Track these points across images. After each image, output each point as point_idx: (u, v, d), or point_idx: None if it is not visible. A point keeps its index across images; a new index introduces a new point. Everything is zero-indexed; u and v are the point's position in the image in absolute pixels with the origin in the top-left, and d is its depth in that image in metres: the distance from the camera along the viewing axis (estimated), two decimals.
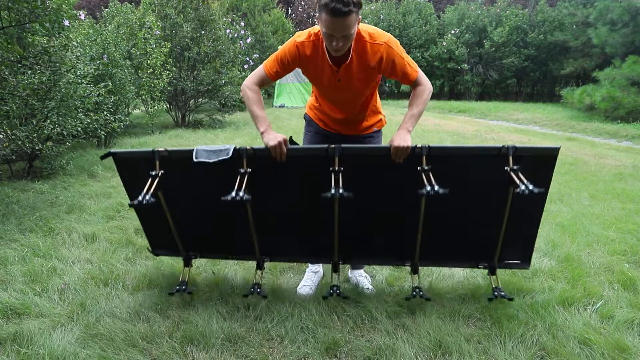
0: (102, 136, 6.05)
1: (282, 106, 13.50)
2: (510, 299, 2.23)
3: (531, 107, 13.84)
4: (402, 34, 17.04)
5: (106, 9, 9.45)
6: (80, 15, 5.90)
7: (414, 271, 2.30)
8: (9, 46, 3.58)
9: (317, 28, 2.01)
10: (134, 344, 1.98)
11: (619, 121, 10.22)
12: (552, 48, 16.85)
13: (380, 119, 2.42)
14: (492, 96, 18.04)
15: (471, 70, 17.31)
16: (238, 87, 9.94)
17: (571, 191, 4.55)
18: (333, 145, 2.03)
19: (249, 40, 14.08)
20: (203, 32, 8.87)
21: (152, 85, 7.83)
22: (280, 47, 2.15)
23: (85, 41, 6.05)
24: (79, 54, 5.00)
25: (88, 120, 5.12)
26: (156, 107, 8.47)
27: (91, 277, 2.58)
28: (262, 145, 2.05)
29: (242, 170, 2.04)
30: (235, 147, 2.05)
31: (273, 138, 2.01)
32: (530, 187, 1.82)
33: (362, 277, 2.57)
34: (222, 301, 2.32)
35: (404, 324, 2.16)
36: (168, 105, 9.35)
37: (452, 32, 17.20)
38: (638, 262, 2.89)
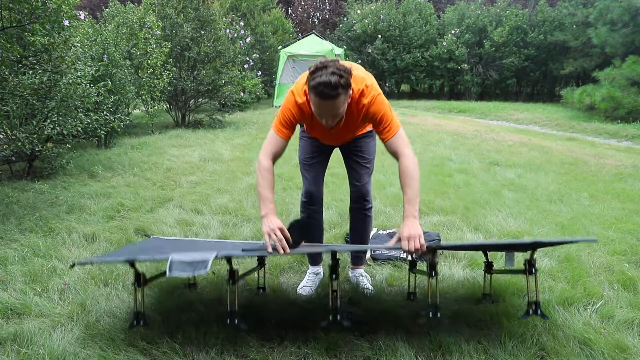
0: (102, 136, 6.05)
1: None
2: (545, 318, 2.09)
3: (531, 107, 13.83)
4: (402, 34, 17.02)
5: (107, 9, 9.44)
6: (80, 15, 5.90)
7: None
8: (9, 46, 3.58)
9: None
10: (134, 344, 1.98)
11: (619, 121, 10.21)
12: (552, 48, 16.83)
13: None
14: (492, 96, 18.01)
15: (471, 70, 17.29)
16: (238, 87, 9.94)
17: (571, 191, 4.55)
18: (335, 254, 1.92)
19: (248, 40, 14.06)
20: (203, 32, 8.87)
21: (152, 85, 7.83)
22: (281, 108, 2.09)
23: (85, 41, 6.05)
24: (79, 53, 4.99)
25: (88, 120, 5.12)
26: (156, 107, 8.46)
27: (91, 277, 2.58)
28: (248, 246, 1.94)
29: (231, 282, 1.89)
30: (216, 256, 1.78)
31: (268, 227, 1.90)
32: None
33: (362, 277, 2.58)
34: (222, 301, 2.32)
35: (404, 324, 2.16)
36: (168, 105, 9.34)
37: (452, 32, 17.18)
38: (638, 262, 2.89)
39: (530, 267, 1.90)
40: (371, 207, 2.51)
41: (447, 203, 4.06)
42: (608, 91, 10.67)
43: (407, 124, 9.68)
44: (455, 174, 5.22)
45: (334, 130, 2.11)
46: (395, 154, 2.05)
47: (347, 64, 1.95)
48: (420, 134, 8.36)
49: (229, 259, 1.92)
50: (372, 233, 3.14)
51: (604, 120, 10.50)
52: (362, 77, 2.03)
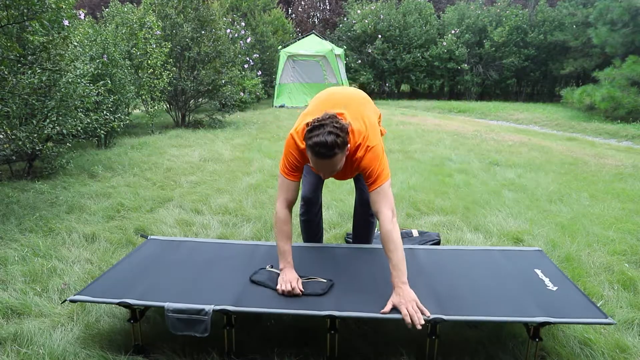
0: (102, 136, 6.05)
1: (282, 106, 13.49)
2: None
3: (531, 107, 13.83)
4: (402, 34, 17.02)
5: (107, 9, 9.44)
6: (80, 15, 5.90)
7: None
8: (9, 45, 3.58)
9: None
10: (134, 344, 1.97)
11: (619, 121, 10.21)
12: (552, 48, 16.83)
13: None
14: (492, 96, 18.01)
15: (471, 70, 17.29)
16: (238, 87, 9.94)
17: (571, 191, 4.55)
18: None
19: (249, 40, 14.06)
20: (203, 32, 8.86)
21: (152, 85, 7.83)
22: (285, 152, 2.10)
23: (85, 41, 6.05)
24: (78, 53, 4.99)
25: (88, 120, 5.12)
26: (156, 107, 8.46)
27: (91, 277, 2.58)
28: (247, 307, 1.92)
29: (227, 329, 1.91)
30: (213, 310, 1.84)
31: (286, 280, 2.00)
32: None
33: None
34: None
35: (405, 325, 2.16)
36: (168, 105, 9.34)
37: (452, 32, 17.18)
38: (638, 262, 2.89)
39: (535, 336, 1.85)
40: None
41: (447, 203, 4.06)
42: (608, 91, 10.67)
43: (407, 124, 9.69)
44: (455, 174, 5.22)
45: (335, 175, 2.12)
46: (375, 211, 2.05)
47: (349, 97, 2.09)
48: (420, 134, 8.36)
49: (225, 311, 1.89)
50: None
51: (604, 120, 10.50)
52: (359, 130, 2.02)
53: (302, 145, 2.00)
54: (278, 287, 2.02)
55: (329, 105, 2.07)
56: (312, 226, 2.68)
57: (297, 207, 3.90)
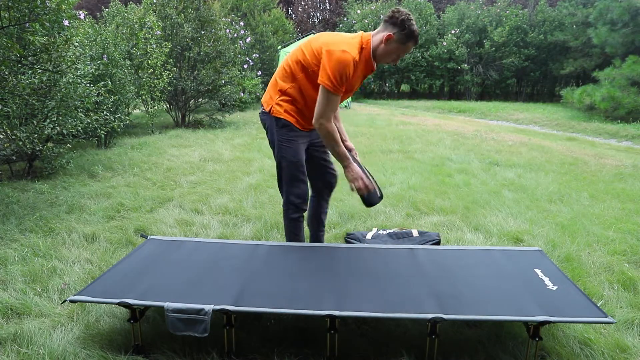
0: (102, 136, 6.05)
1: None
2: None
3: (531, 107, 13.84)
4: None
5: (107, 9, 9.45)
6: (80, 15, 5.89)
7: None
8: (10, 45, 3.58)
9: (362, 40, 2.23)
10: (134, 344, 1.97)
11: (619, 121, 10.22)
12: (552, 48, 16.86)
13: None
14: (492, 96, 18.04)
15: (471, 70, 17.30)
16: (238, 87, 9.95)
17: (571, 191, 4.55)
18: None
19: (248, 40, 14.07)
20: (203, 32, 8.87)
21: (152, 85, 7.83)
22: (336, 68, 2.14)
23: (85, 41, 6.05)
24: (78, 53, 4.99)
25: (88, 120, 5.12)
26: (156, 107, 8.47)
27: (91, 277, 2.58)
28: (247, 307, 1.91)
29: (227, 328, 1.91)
30: (213, 310, 1.84)
31: (351, 175, 2.32)
32: None
33: None
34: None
35: (404, 325, 2.16)
36: (168, 105, 9.35)
37: (452, 32, 17.20)
38: (638, 262, 2.89)
39: (534, 336, 1.85)
40: None
41: (447, 203, 4.06)
42: (608, 91, 10.68)
43: (407, 124, 9.69)
44: (455, 174, 5.22)
45: (357, 85, 2.37)
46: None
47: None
48: (420, 134, 8.36)
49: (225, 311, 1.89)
50: (372, 233, 3.15)
51: (604, 120, 10.51)
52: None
53: (357, 57, 2.18)
54: (354, 185, 2.30)
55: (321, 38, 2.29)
56: (302, 226, 2.68)
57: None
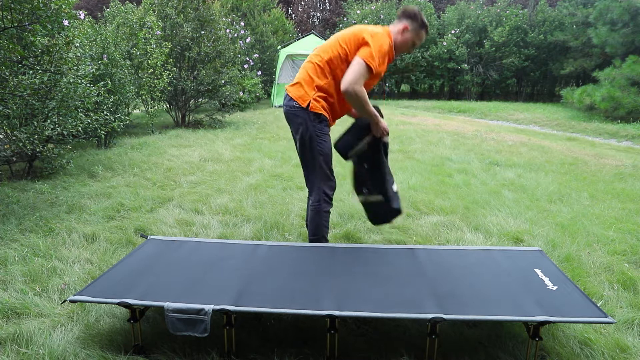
0: (102, 136, 6.05)
1: (281, 106, 13.50)
2: None
3: (531, 107, 13.84)
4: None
5: (107, 9, 9.45)
6: (80, 15, 5.89)
7: None
8: (11, 47, 3.57)
9: (390, 29, 2.52)
10: (134, 344, 1.97)
11: (619, 121, 10.22)
12: (552, 48, 16.85)
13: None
14: (492, 96, 18.03)
15: (471, 70, 17.30)
16: (238, 87, 9.94)
17: (571, 191, 4.55)
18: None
19: (248, 40, 14.07)
20: (203, 32, 8.87)
21: (152, 85, 7.83)
22: (380, 47, 2.39)
23: (85, 41, 6.05)
24: (79, 54, 4.99)
25: (88, 120, 5.12)
26: (156, 107, 8.47)
27: (91, 277, 2.58)
28: (246, 307, 1.91)
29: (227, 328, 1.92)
30: (213, 310, 1.85)
31: (384, 125, 2.52)
32: None
33: None
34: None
35: (404, 325, 2.16)
36: (168, 105, 9.35)
37: (452, 32, 17.19)
38: (638, 262, 2.89)
39: (535, 336, 1.85)
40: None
41: (447, 203, 4.06)
42: (608, 91, 10.67)
43: (407, 124, 9.69)
44: (455, 174, 5.22)
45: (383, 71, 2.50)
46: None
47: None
48: (420, 134, 8.36)
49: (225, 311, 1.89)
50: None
51: (604, 120, 10.50)
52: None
53: (390, 41, 2.46)
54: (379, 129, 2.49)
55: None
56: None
57: (297, 206, 3.89)
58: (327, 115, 2.53)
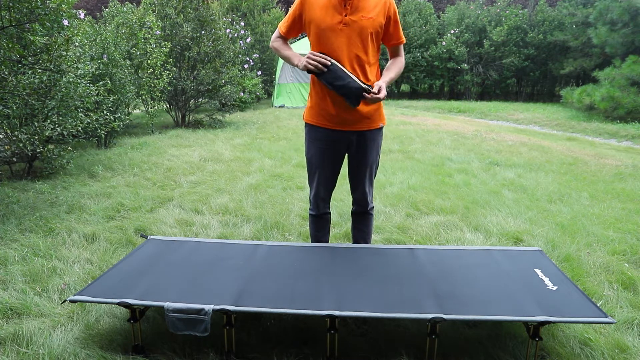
0: (102, 136, 6.05)
1: (282, 106, 13.50)
2: None
3: (531, 107, 13.84)
4: (402, 33, 17.06)
5: (106, 9, 9.45)
6: (79, 15, 5.89)
7: None
8: (10, 46, 3.57)
9: None
10: (134, 344, 1.97)
11: (618, 121, 10.22)
12: (552, 48, 16.84)
13: (382, 113, 2.45)
14: (492, 96, 18.03)
15: (471, 70, 17.30)
16: (238, 87, 9.94)
17: (571, 191, 4.55)
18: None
19: (248, 40, 14.06)
20: (203, 32, 8.87)
21: (152, 85, 7.83)
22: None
23: (85, 41, 6.05)
24: (79, 53, 4.99)
25: (88, 120, 5.12)
26: (156, 107, 8.47)
27: (91, 277, 2.58)
28: (246, 307, 1.91)
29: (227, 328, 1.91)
30: (213, 310, 1.85)
31: (304, 59, 2.19)
32: None
33: None
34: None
35: (405, 325, 2.16)
36: (168, 105, 9.35)
37: (452, 31, 17.19)
38: (638, 262, 2.89)
39: (535, 336, 1.85)
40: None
41: (447, 203, 4.06)
42: (608, 91, 10.67)
43: (407, 124, 9.69)
44: (455, 174, 5.22)
45: (349, 17, 2.16)
46: (398, 56, 2.52)
47: None
48: (420, 134, 8.36)
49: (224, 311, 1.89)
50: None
51: (604, 120, 10.51)
52: None
53: None
54: (308, 65, 2.15)
55: None
56: (320, 221, 2.69)
57: (296, 206, 3.89)
58: (313, 118, 2.39)
